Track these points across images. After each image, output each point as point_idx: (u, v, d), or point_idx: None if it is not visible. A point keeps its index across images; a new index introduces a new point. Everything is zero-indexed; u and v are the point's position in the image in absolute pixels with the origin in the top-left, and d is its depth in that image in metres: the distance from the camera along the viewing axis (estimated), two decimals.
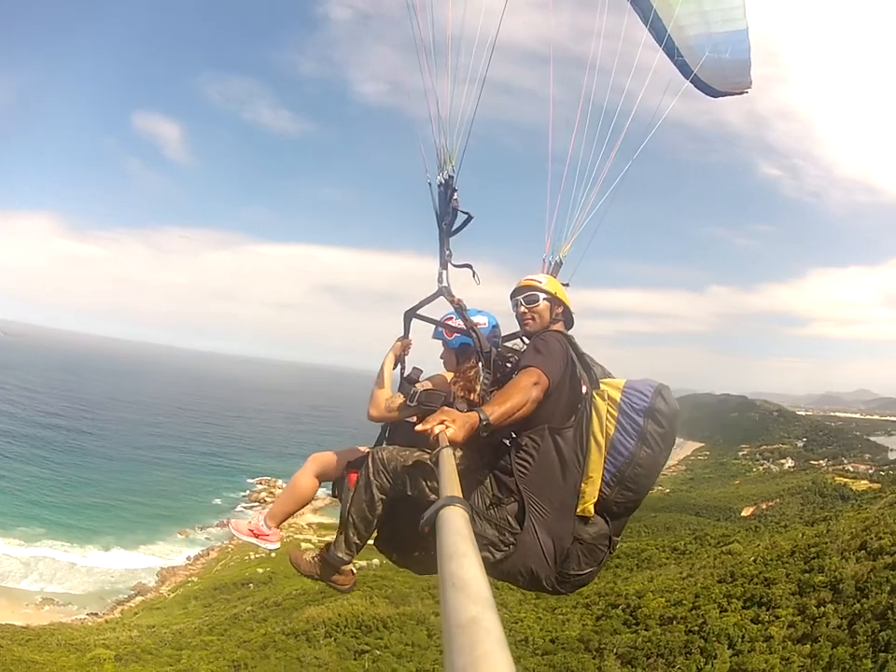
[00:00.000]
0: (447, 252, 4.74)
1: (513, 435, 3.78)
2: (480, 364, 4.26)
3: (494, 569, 3.68)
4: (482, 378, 4.21)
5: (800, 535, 68.59)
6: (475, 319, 4.49)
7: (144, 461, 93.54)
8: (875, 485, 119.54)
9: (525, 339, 4.55)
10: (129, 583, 54.83)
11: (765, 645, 45.77)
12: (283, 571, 53.24)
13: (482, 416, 2.97)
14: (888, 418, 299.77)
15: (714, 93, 5.84)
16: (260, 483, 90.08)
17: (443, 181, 4.76)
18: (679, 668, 42.06)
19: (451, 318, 4.59)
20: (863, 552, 53.87)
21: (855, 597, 40.68)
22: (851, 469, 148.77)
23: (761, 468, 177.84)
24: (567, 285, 4.62)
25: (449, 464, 2.17)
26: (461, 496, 1.66)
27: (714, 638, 45.95)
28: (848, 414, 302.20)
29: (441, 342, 4.71)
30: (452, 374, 4.47)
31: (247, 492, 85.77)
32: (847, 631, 36.27)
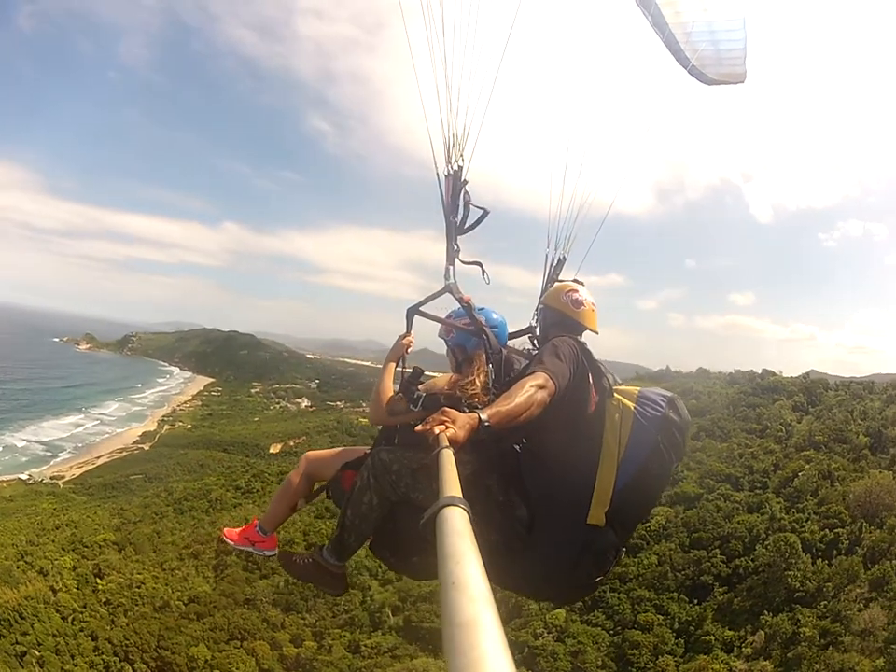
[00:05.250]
0: (455, 248, 4.52)
1: (523, 441, 3.81)
2: (489, 365, 4.13)
3: (499, 577, 3.55)
4: (490, 380, 4.08)
5: None
6: (467, 319, 4.37)
7: None
8: None
9: (534, 341, 4.70)
10: None
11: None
12: None
13: (482, 417, 2.89)
14: (399, 368, 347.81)
15: (708, 81, 5.86)
16: None
17: (451, 173, 4.48)
18: (343, 605, 46.57)
19: (463, 318, 4.41)
20: None
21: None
22: None
23: (278, 406, 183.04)
24: (580, 282, 4.51)
25: (449, 464, 2.14)
26: (461, 496, 1.66)
27: (356, 572, 51.79)
28: (359, 361, 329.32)
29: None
30: (452, 377, 4.26)
31: None
32: None
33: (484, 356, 4.16)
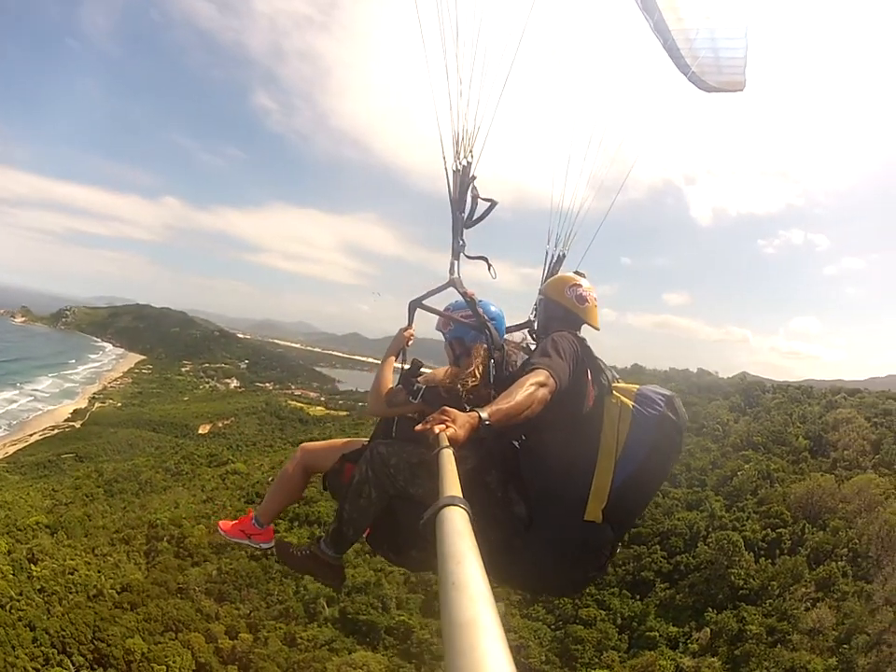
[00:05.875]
0: (461, 242, 4.51)
1: (522, 437, 3.83)
2: (491, 361, 4.11)
3: (498, 573, 3.60)
4: (490, 374, 4.08)
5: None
6: (467, 312, 4.35)
7: None
8: (333, 412, 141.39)
9: (532, 334, 4.66)
10: None
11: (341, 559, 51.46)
12: None
13: (482, 416, 2.87)
14: (329, 351, 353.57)
15: (707, 89, 5.87)
16: None
17: (460, 168, 4.45)
18: (277, 595, 44.09)
19: (461, 311, 4.37)
20: None
21: None
22: (300, 395, 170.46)
23: (207, 385, 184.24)
24: (581, 274, 4.43)
25: (449, 464, 2.14)
26: (461, 496, 1.67)
27: None
28: (289, 343, 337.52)
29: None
30: (451, 369, 4.24)
31: None
32: None
33: (484, 348, 4.13)
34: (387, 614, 44.99)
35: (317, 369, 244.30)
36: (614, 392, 3.79)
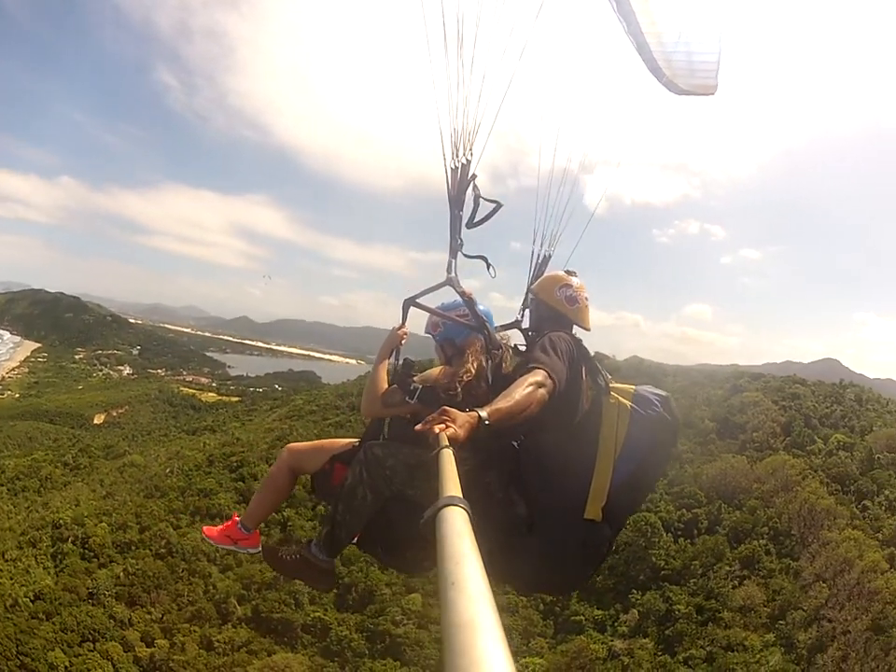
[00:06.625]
0: (458, 240, 4.41)
1: (521, 437, 3.79)
2: (488, 361, 4.11)
3: (498, 572, 3.47)
4: (487, 373, 4.07)
5: (203, 444, 73.83)
6: (460, 311, 4.32)
7: None
8: (225, 398, 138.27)
9: (523, 332, 4.59)
10: None
11: (248, 555, 48.34)
12: None
13: (481, 416, 2.86)
14: (220, 336, 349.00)
15: (678, 92, 5.80)
16: None
17: (457, 166, 4.33)
18: (188, 596, 40.90)
19: (454, 310, 4.34)
20: None
21: (309, 498, 47.39)
22: (192, 381, 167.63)
23: (101, 373, 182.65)
24: (572, 272, 4.39)
25: (449, 464, 2.13)
26: (461, 496, 1.67)
27: (194, 557, 45.60)
28: (179, 328, 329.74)
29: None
30: (446, 368, 4.20)
31: None
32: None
33: (481, 343, 4.14)
34: (301, 610, 43.78)
35: (208, 354, 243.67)
36: (612, 393, 3.81)
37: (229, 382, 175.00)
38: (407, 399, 3.96)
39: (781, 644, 29.98)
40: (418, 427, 2.74)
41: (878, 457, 46.02)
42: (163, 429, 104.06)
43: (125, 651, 37.80)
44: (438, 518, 1.49)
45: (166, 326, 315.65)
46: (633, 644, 35.06)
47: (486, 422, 2.86)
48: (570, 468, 3.67)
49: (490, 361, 4.11)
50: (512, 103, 4.44)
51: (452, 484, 1.82)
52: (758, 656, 29.90)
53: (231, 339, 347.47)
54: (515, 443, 3.78)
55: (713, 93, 5.77)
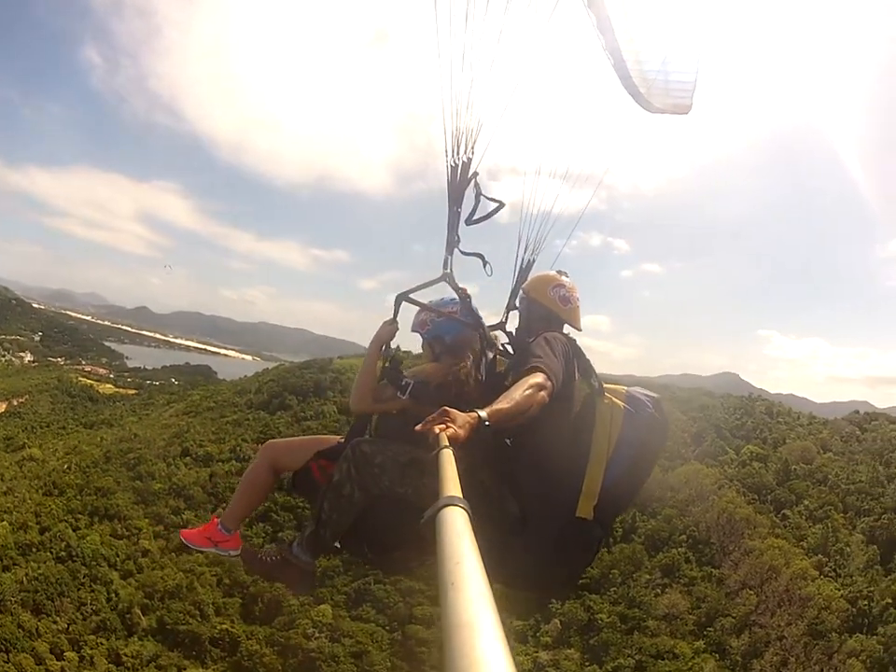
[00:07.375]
0: (456, 237, 4.37)
1: (517, 435, 3.76)
2: (483, 359, 4.14)
3: (495, 571, 3.91)
4: (483, 372, 4.11)
5: (100, 439, 69.93)
6: (451, 308, 4.32)
7: None
8: (123, 390, 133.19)
9: (508, 333, 4.62)
10: None
11: (148, 560, 45.44)
12: None
13: (482, 416, 2.86)
14: (119, 325, 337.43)
15: (653, 110, 5.79)
16: None
17: (457, 164, 4.29)
18: (91, 605, 38.11)
19: (446, 307, 4.35)
20: (188, 457, 59.35)
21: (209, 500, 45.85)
22: (90, 371, 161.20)
23: (3, 359, 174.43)
24: (563, 273, 4.42)
25: (450, 464, 2.13)
26: (461, 496, 1.67)
27: (94, 562, 42.24)
28: (80, 315, 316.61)
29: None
30: (436, 365, 4.21)
31: None
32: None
33: (474, 342, 4.22)
34: (207, 622, 41.51)
35: (107, 343, 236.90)
36: (605, 394, 3.84)
37: (126, 374, 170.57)
38: (399, 394, 3.98)
39: (713, 651, 30.23)
40: (418, 426, 2.70)
41: (794, 469, 47.80)
42: (61, 421, 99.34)
43: (37, 664, 36.28)
44: (438, 518, 1.48)
45: (68, 312, 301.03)
46: (558, 655, 34.71)
47: (486, 423, 2.87)
48: (563, 466, 3.69)
49: (485, 359, 4.16)
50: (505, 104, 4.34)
51: (452, 485, 1.82)
52: (690, 663, 30.09)
53: (129, 329, 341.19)
54: (508, 441, 3.72)
55: (687, 113, 5.76)
